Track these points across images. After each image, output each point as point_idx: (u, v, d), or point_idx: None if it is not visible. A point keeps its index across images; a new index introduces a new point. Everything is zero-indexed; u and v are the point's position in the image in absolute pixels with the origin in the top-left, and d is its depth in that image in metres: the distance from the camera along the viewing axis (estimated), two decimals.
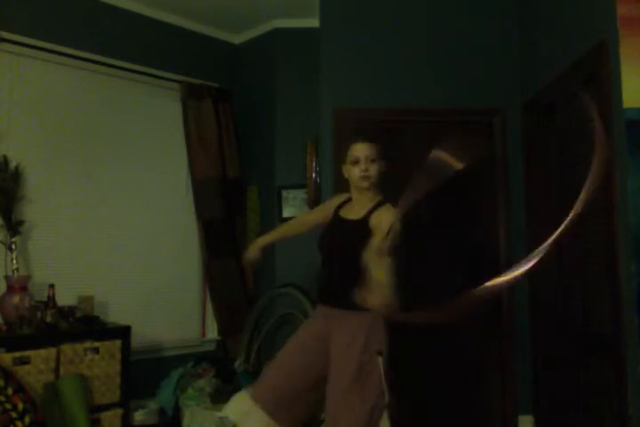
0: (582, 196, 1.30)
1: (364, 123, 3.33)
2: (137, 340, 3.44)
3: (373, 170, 2.23)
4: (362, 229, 2.17)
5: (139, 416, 3.42)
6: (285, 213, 4.11)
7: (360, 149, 2.23)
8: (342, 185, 2.52)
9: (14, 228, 3.16)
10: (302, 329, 2.34)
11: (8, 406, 2.60)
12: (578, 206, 1.28)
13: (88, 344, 3.04)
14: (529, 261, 1.33)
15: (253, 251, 2.48)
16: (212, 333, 4.22)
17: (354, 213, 2.28)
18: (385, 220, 2.08)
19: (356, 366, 2.06)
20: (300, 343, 2.29)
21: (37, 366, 2.82)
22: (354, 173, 2.24)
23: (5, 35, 3.29)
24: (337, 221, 2.33)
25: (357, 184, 2.27)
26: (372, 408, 2.05)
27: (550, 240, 1.30)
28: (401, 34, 3.47)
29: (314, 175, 3.75)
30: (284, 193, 4.12)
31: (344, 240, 2.22)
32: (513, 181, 3.39)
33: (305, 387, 2.20)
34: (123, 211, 3.82)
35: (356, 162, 2.23)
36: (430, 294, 3.24)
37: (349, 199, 2.38)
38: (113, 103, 3.83)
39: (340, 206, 2.37)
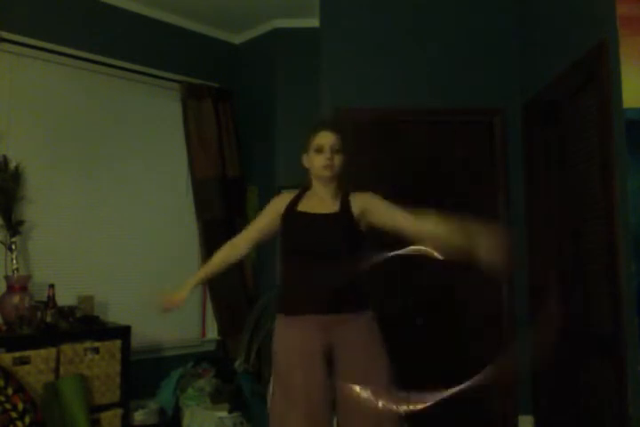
0: None
1: (363, 123, 3.33)
2: (137, 340, 3.43)
3: (337, 160, 2.10)
4: (347, 223, 2.06)
5: (139, 416, 3.42)
6: None
7: (325, 137, 2.11)
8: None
9: (14, 228, 3.16)
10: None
11: (8, 406, 2.60)
12: None
13: (88, 344, 3.03)
14: None
15: (180, 299, 2.17)
16: (212, 333, 4.22)
17: (320, 206, 2.11)
18: (369, 196, 2.13)
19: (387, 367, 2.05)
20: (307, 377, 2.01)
21: (37, 366, 2.81)
22: (317, 161, 2.10)
23: (5, 35, 3.29)
24: (304, 218, 2.10)
25: (319, 173, 2.12)
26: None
27: None
28: (401, 34, 3.47)
29: None
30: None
31: (331, 238, 2.05)
32: (513, 181, 3.39)
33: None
34: (123, 211, 3.82)
35: (319, 150, 2.10)
36: (429, 294, 3.28)
37: (301, 194, 2.19)
38: (113, 103, 3.83)
39: (293, 203, 2.15)
